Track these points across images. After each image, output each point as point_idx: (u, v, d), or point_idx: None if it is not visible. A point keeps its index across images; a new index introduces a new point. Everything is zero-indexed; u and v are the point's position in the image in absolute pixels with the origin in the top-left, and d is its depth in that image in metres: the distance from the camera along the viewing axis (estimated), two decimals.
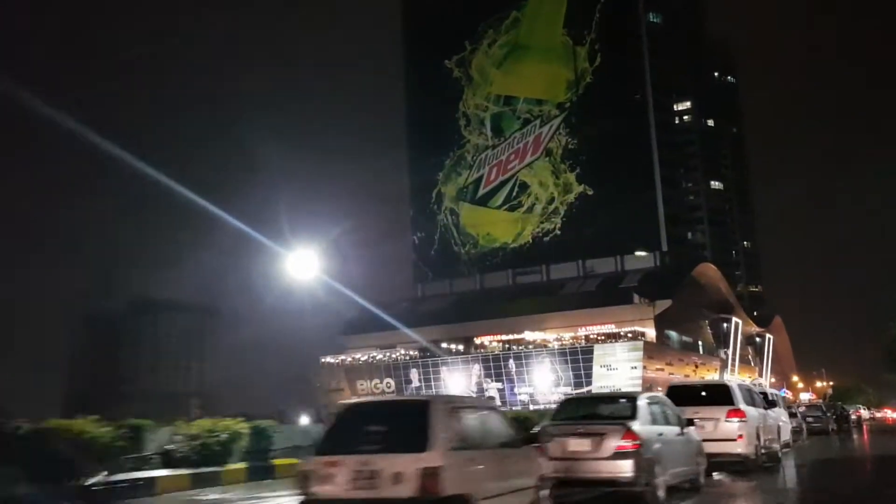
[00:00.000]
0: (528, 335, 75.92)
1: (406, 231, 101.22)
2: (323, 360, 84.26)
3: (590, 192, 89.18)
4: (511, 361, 73.23)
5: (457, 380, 76.09)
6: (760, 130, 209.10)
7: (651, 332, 73.39)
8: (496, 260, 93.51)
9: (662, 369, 73.19)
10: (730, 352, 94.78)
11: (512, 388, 73.13)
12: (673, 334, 79.21)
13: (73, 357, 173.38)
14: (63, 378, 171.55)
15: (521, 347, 74.40)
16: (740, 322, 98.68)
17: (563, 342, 73.18)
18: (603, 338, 72.08)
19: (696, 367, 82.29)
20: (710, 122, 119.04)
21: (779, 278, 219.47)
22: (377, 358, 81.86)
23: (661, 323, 74.22)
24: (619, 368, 68.79)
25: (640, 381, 67.62)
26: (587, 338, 72.85)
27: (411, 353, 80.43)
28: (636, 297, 72.13)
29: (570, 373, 70.70)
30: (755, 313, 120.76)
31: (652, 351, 70.69)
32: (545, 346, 73.38)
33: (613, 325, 72.58)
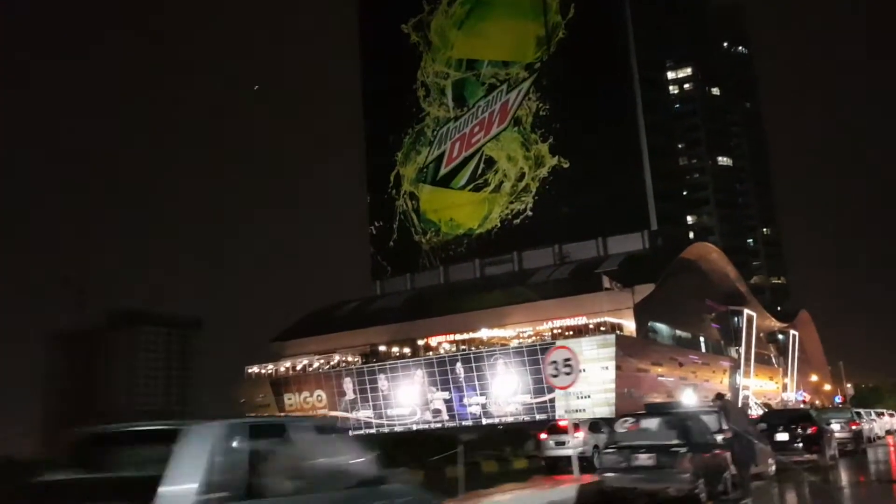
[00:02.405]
0: (486, 333, 62.56)
1: (364, 221, 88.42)
2: (249, 370, 71.69)
3: (565, 165, 75.66)
4: (459, 365, 59.79)
5: (402, 389, 62.93)
6: (778, 106, 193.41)
7: (630, 325, 59.59)
8: (461, 249, 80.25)
9: (647, 370, 59.29)
10: (742, 350, 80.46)
11: (461, 398, 59.72)
12: (662, 327, 65.18)
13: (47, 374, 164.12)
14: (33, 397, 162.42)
15: (471, 348, 61.03)
16: (755, 315, 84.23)
17: (522, 339, 59.77)
18: (571, 332, 58.42)
19: (696, 366, 68.19)
20: (716, 91, 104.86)
21: (807, 270, 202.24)
22: (313, 366, 69.05)
23: (643, 314, 60.34)
24: (587, 370, 54.89)
25: (613, 385, 53.88)
26: (553, 333, 59.32)
27: (349, 358, 67.52)
28: (606, 281, 58.37)
29: (530, 377, 57.08)
30: (779, 308, 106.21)
31: (630, 347, 56.82)
32: (504, 345, 60.03)
33: (585, 318, 58.93)
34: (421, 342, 63.54)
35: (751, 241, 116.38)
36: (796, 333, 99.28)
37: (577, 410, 54.82)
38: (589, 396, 54.52)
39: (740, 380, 78.91)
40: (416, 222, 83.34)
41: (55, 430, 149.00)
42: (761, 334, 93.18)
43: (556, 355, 16.71)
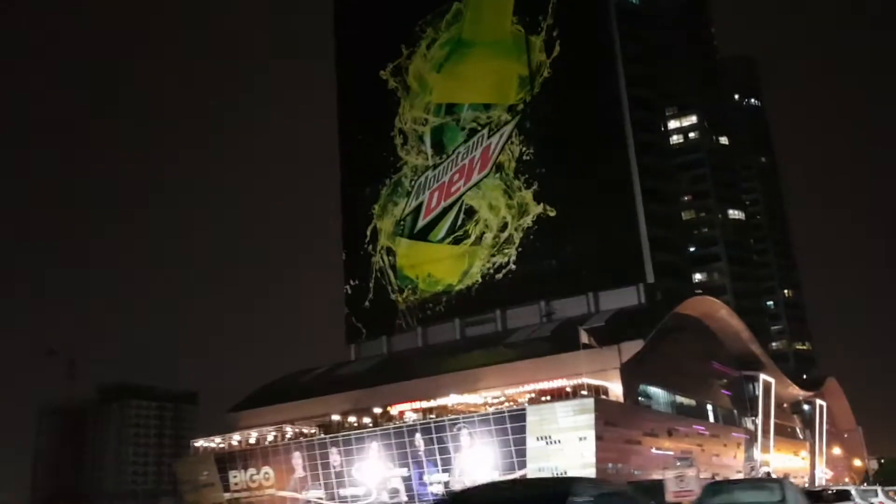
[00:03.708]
0: (451, 399, 54.41)
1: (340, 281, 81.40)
2: (195, 444, 63.94)
3: (551, 213, 68.59)
4: (418, 437, 51.55)
5: (357, 465, 54.63)
6: (798, 161, 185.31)
7: (618, 388, 51.20)
8: (439, 308, 72.74)
9: (638, 441, 50.56)
10: (759, 420, 71.10)
11: (420, 475, 51.28)
12: (658, 392, 56.58)
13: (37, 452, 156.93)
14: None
15: (432, 416, 52.83)
16: (773, 382, 75.05)
17: (494, 405, 51.56)
18: (549, 397, 50.20)
19: (702, 439, 59.12)
20: (724, 140, 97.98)
21: (835, 335, 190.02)
22: (267, 440, 61.11)
23: (632, 376, 51.99)
24: (562, 441, 46.56)
25: (592, 460, 45.22)
26: (530, 399, 51.09)
27: (304, 430, 59.57)
28: (584, 336, 50.33)
29: (498, 450, 48.70)
30: (804, 376, 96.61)
31: (615, 414, 48.37)
32: (470, 413, 51.83)
33: (565, 380, 50.69)
34: (378, 410, 55.52)
35: (770, 303, 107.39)
36: (823, 403, 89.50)
37: None
38: (565, 473, 45.90)
39: (758, 454, 69.42)
40: (392, 279, 76.28)
41: None
42: (784, 405, 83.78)
43: None
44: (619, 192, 66.28)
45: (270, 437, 61.26)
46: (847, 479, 74.94)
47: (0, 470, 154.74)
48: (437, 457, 50.74)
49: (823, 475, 71.89)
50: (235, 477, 58.98)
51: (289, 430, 59.59)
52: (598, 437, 45.63)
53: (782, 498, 10.26)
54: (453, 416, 51.23)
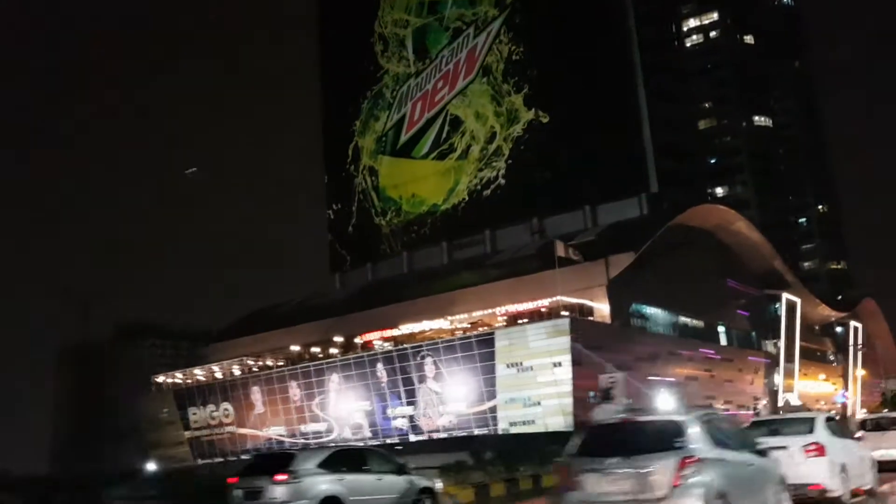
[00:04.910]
0: (425, 325, 48.58)
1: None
2: (156, 379, 59.52)
3: (544, 119, 61.25)
4: (380, 367, 45.96)
5: (319, 399, 49.50)
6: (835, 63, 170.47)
7: (605, 308, 44.72)
8: (424, 230, 66.47)
9: (629, 367, 44.16)
10: (782, 344, 64.16)
11: (384, 409, 45.85)
12: (656, 312, 49.88)
13: (55, 395, 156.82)
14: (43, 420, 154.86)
15: (397, 345, 47.15)
16: (798, 301, 67.68)
17: (457, 331, 45.68)
18: (527, 320, 44.05)
19: (711, 363, 52.67)
20: (749, 39, 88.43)
21: (877, 254, 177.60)
22: (235, 374, 56.36)
23: (623, 293, 45.33)
24: (535, 367, 40.50)
25: (569, 388, 39.16)
26: (507, 322, 45.06)
27: (269, 363, 54.54)
28: (560, 248, 43.73)
29: (466, 379, 42.91)
30: (839, 297, 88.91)
31: (597, 336, 41.92)
32: (433, 339, 46.08)
33: (547, 300, 44.36)
34: (338, 339, 50.02)
35: (803, 219, 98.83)
36: (858, 325, 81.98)
37: (524, 422, 40.70)
38: (539, 403, 40.09)
39: (780, 380, 62.80)
40: (375, 202, 70.09)
41: (61, 447, 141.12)
42: (816, 327, 76.68)
43: None
44: (620, 91, 58.55)
45: (237, 372, 56.54)
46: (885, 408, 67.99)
47: (19, 410, 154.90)
48: (401, 388, 45.24)
49: (845, 399, 64.91)
50: (195, 414, 54.51)
51: (251, 363, 54.63)
52: (576, 363, 39.47)
53: None
54: (416, 344, 45.47)
